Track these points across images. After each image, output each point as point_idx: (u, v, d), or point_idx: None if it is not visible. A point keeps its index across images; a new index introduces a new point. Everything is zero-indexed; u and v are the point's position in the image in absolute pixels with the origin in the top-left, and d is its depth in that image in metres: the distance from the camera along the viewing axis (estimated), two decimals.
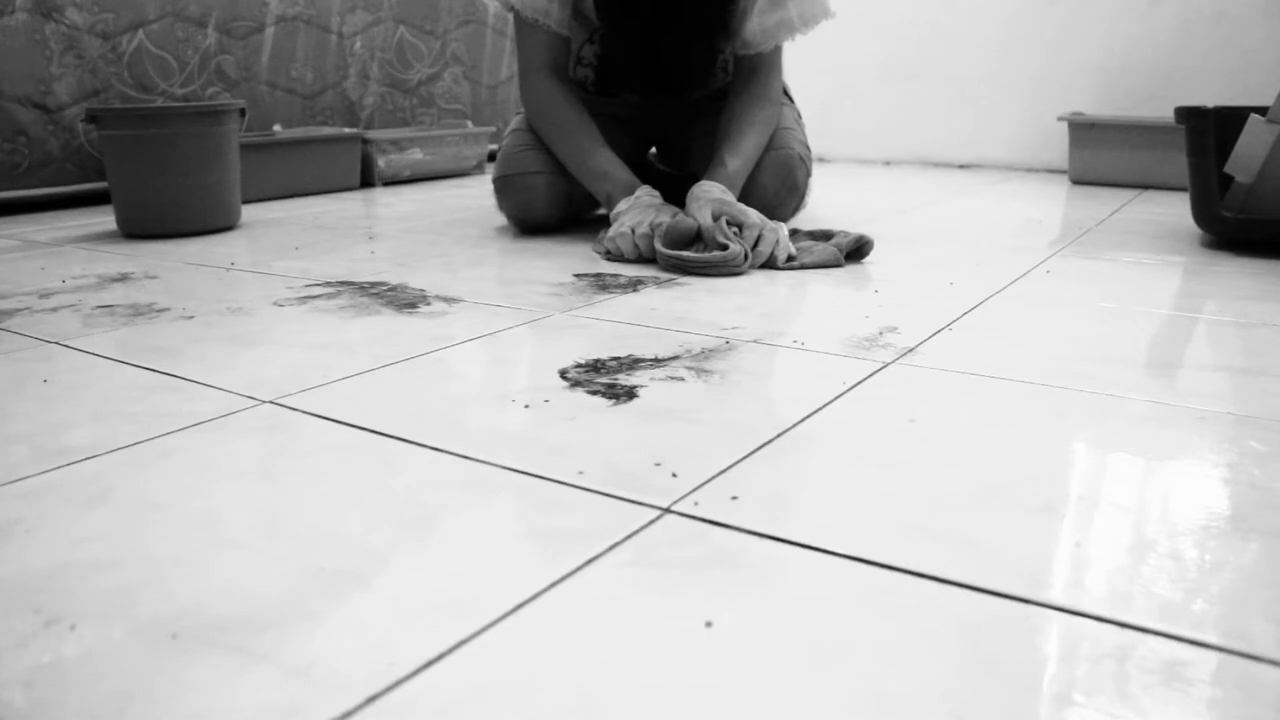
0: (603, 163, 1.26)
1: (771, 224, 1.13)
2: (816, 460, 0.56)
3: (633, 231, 1.14)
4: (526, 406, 0.65)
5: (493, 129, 2.39)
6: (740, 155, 1.25)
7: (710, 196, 1.16)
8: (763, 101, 1.30)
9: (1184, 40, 2.17)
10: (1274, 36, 2.08)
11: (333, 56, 2.13)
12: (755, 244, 1.11)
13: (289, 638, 0.38)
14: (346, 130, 2.00)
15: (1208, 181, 1.26)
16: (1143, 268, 1.14)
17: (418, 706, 0.34)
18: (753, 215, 1.14)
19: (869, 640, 0.38)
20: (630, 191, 1.22)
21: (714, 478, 0.52)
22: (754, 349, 0.78)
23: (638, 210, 1.18)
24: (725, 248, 1.08)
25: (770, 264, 1.12)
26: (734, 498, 0.50)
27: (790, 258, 1.13)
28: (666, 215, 1.15)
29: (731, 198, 1.18)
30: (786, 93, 1.48)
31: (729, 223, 1.12)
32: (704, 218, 1.12)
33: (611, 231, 1.18)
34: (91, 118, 1.36)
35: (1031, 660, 0.36)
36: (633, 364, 0.74)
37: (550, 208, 1.36)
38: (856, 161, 2.65)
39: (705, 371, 0.72)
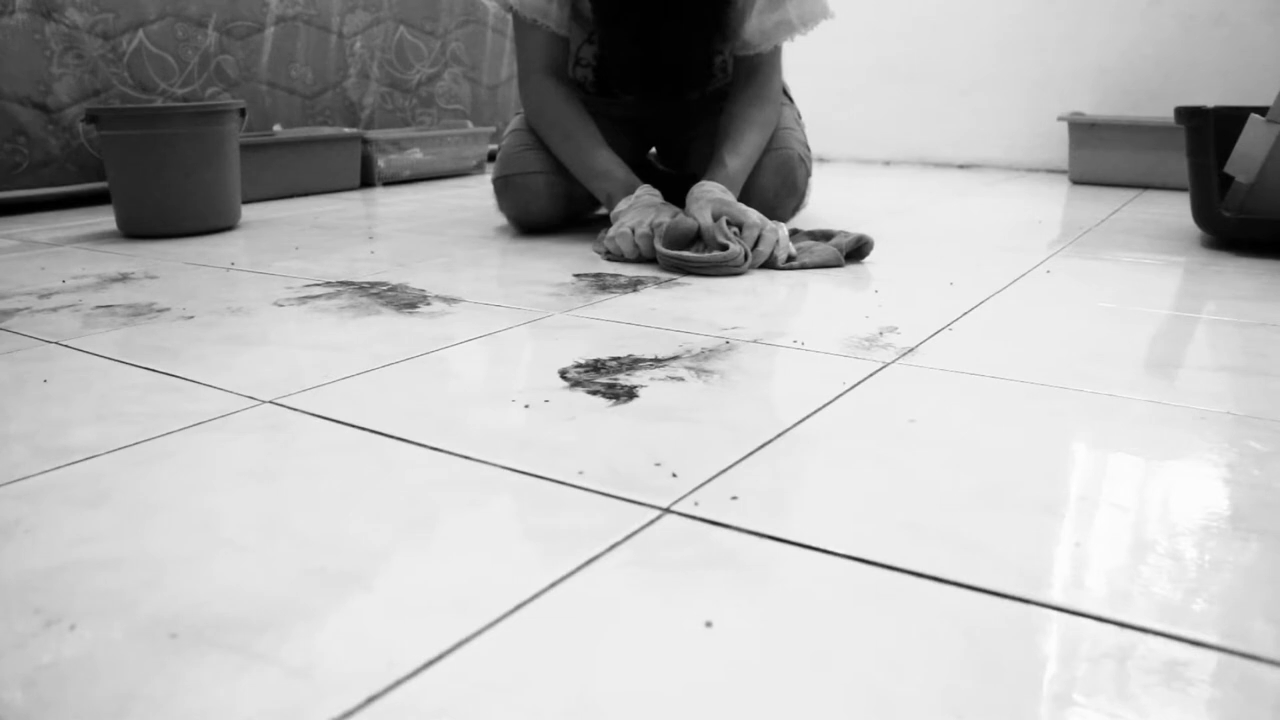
0: (603, 162, 1.26)
1: (771, 224, 1.13)
2: (816, 460, 0.56)
3: (633, 231, 1.14)
4: (526, 406, 0.65)
5: (493, 129, 2.39)
6: (740, 155, 1.25)
7: (710, 197, 1.16)
8: (762, 102, 1.30)
9: (1184, 40, 2.17)
10: (1274, 37, 2.07)
11: (333, 56, 2.13)
12: (755, 244, 1.11)
13: (289, 638, 0.38)
14: (346, 130, 2.00)
15: (1208, 181, 1.26)
16: (1143, 268, 1.14)
17: (418, 706, 0.34)
18: (753, 215, 1.14)
19: (869, 640, 0.38)
20: (630, 191, 1.22)
21: (714, 478, 0.52)
22: (754, 349, 0.78)
23: (638, 210, 1.18)
24: (725, 248, 1.08)
25: (770, 264, 1.12)
26: (734, 498, 0.50)
27: (790, 258, 1.13)
28: (666, 215, 1.15)
29: (731, 198, 1.18)
30: (786, 93, 1.48)
31: (729, 223, 1.12)
32: (704, 218, 1.12)
33: (612, 231, 1.18)
34: (91, 118, 1.36)
35: (1031, 660, 0.36)
36: (633, 364, 0.74)
37: (550, 208, 1.36)
38: (856, 161, 2.65)
39: (705, 371, 0.72)
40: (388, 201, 1.84)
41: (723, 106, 1.35)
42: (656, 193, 1.22)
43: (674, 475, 0.53)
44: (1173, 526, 0.47)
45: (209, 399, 0.67)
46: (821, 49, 2.30)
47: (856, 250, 1.16)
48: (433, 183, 2.16)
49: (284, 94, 2.04)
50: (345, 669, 0.36)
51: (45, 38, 1.62)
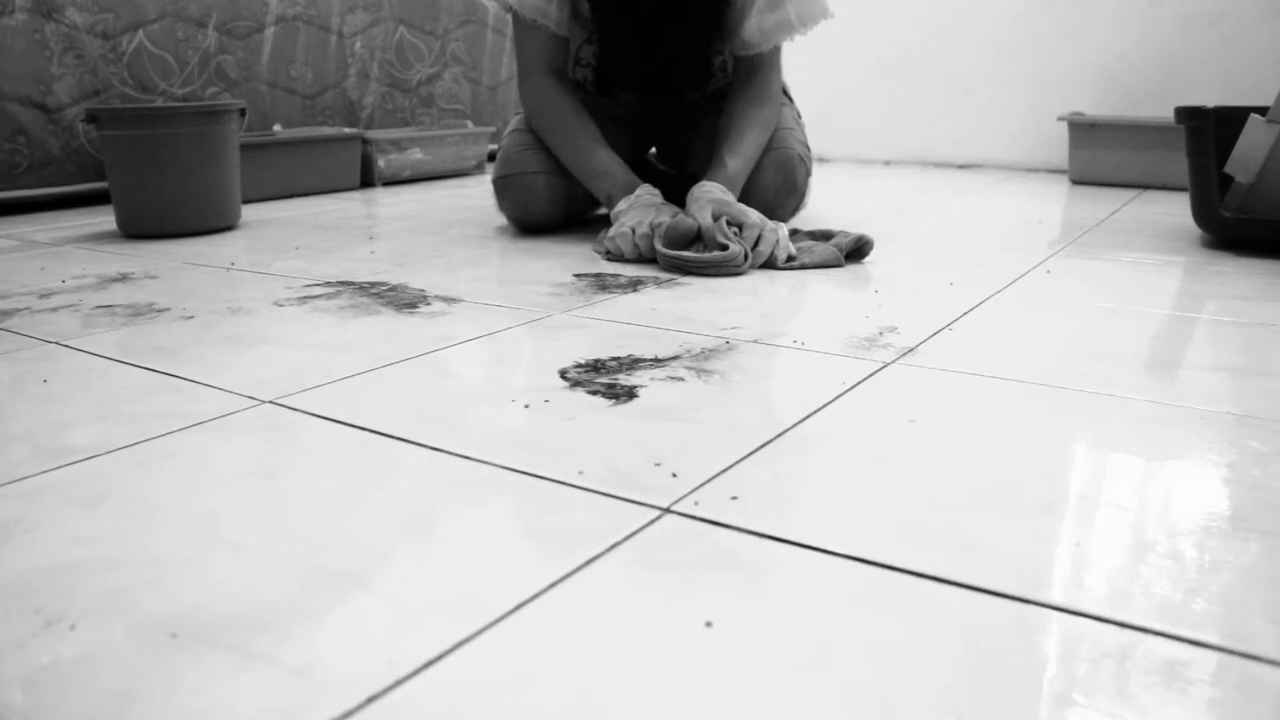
0: (603, 161, 1.26)
1: (771, 224, 1.14)
2: (816, 460, 0.56)
3: (633, 231, 1.14)
4: (526, 406, 0.65)
5: (493, 129, 2.39)
6: (740, 155, 1.25)
7: (710, 197, 1.16)
8: (762, 102, 1.30)
9: (1184, 40, 2.17)
10: (1274, 37, 2.07)
11: (333, 56, 2.13)
12: (755, 244, 1.11)
13: (289, 638, 0.38)
14: (346, 130, 2.00)
15: (1208, 181, 1.26)
16: (1143, 268, 1.14)
17: (418, 706, 0.34)
18: (753, 215, 1.14)
19: (869, 640, 0.38)
20: (630, 190, 1.22)
21: (714, 478, 0.52)
22: (754, 349, 0.78)
23: (638, 210, 1.18)
24: (725, 248, 1.08)
25: (770, 264, 1.12)
26: (734, 498, 0.50)
27: (790, 258, 1.13)
28: (667, 215, 1.15)
29: (731, 198, 1.18)
30: (786, 93, 1.48)
31: (729, 223, 1.12)
32: (704, 218, 1.12)
33: (612, 231, 1.18)
34: (91, 118, 1.36)
35: (1031, 660, 0.36)
36: (633, 364, 0.74)
37: (550, 207, 1.36)
38: (856, 161, 2.65)
39: (705, 371, 0.72)
40: (388, 201, 1.84)
41: (723, 106, 1.35)
42: (656, 192, 1.22)
43: (674, 475, 0.53)
44: (1173, 526, 0.47)
45: (209, 399, 0.67)
46: (821, 49, 2.29)
47: (856, 250, 1.16)
48: (433, 183, 2.16)
49: (284, 94, 2.04)
50: (345, 669, 0.36)
51: (45, 38, 1.62)
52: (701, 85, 1.41)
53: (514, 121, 1.43)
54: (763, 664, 0.36)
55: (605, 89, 1.42)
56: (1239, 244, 1.28)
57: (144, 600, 0.41)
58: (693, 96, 1.43)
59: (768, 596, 0.41)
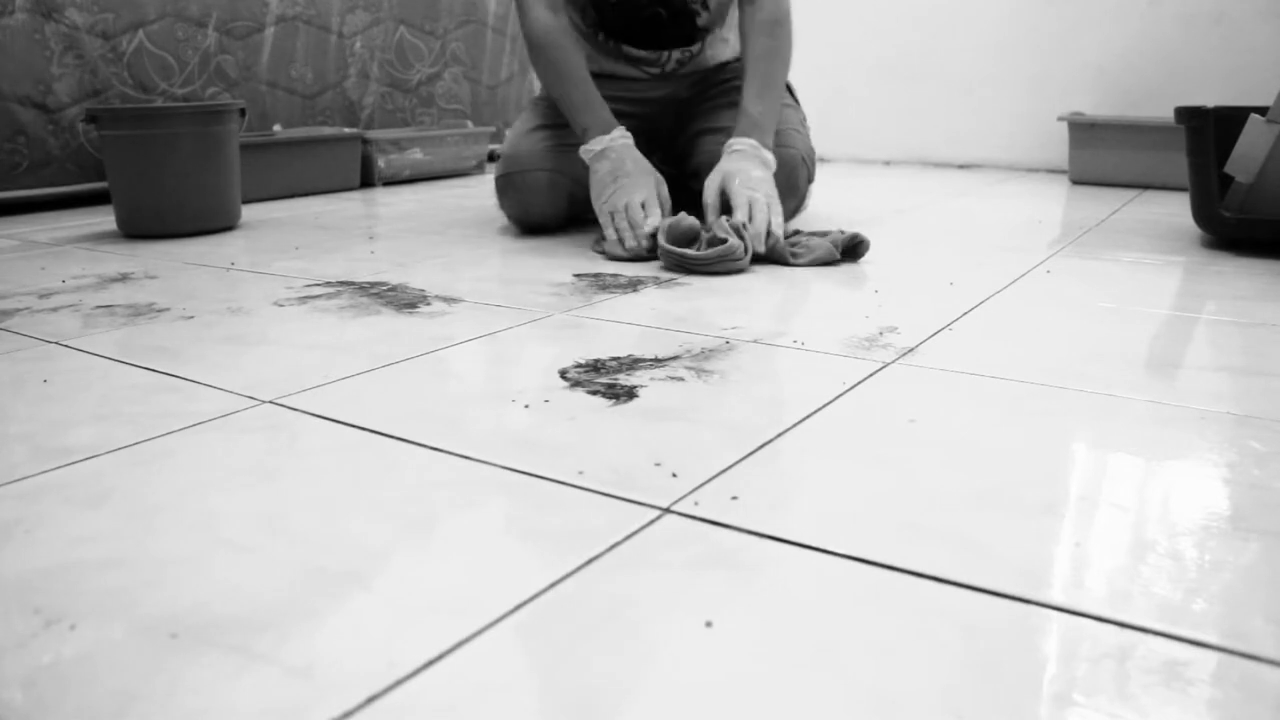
0: (587, 97, 1.28)
1: (763, 198, 1.15)
2: (816, 460, 0.56)
3: (632, 227, 1.16)
4: (526, 406, 0.65)
5: (493, 129, 2.39)
6: (763, 96, 1.26)
7: (726, 168, 1.20)
8: (771, 28, 1.29)
9: (1184, 40, 2.17)
10: (1274, 36, 2.07)
11: (333, 56, 2.13)
12: (749, 218, 1.13)
13: (289, 638, 0.38)
14: (346, 130, 2.00)
15: (1208, 181, 1.26)
16: (1143, 268, 1.14)
17: (418, 706, 0.34)
18: (743, 196, 1.16)
19: (869, 640, 0.38)
20: (606, 130, 1.25)
21: (714, 478, 0.52)
22: (754, 349, 0.78)
23: (622, 187, 1.19)
24: (725, 242, 1.09)
25: (772, 257, 1.13)
26: (734, 498, 0.50)
27: (787, 238, 1.16)
28: (640, 196, 1.17)
29: (752, 160, 1.21)
30: (793, 93, 1.49)
31: (729, 222, 1.13)
32: (709, 193, 1.16)
33: (600, 204, 1.20)
34: (91, 118, 1.36)
35: (1031, 660, 0.36)
36: (633, 364, 0.74)
37: (551, 208, 1.36)
38: (856, 161, 2.65)
39: (705, 371, 0.72)
40: (388, 201, 1.84)
41: (719, 100, 1.35)
42: (629, 139, 1.25)
43: (674, 475, 0.53)
44: (1173, 526, 0.47)
45: (209, 399, 0.67)
46: (822, 49, 2.30)
47: (852, 249, 1.17)
48: (433, 183, 2.16)
49: (284, 94, 2.04)
50: (345, 669, 0.36)
51: (45, 38, 1.62)
52: (691, 28, 1.42)
53: (517, 122, 1.43)
54: (763, 664, 0.36)
55: (611, 32, 1.43)
56: (1239, 244, 1.28)
57: (144, 600, 0.41)
58: (694, 49, 1.43)
59: (768, 596, 0.41)
